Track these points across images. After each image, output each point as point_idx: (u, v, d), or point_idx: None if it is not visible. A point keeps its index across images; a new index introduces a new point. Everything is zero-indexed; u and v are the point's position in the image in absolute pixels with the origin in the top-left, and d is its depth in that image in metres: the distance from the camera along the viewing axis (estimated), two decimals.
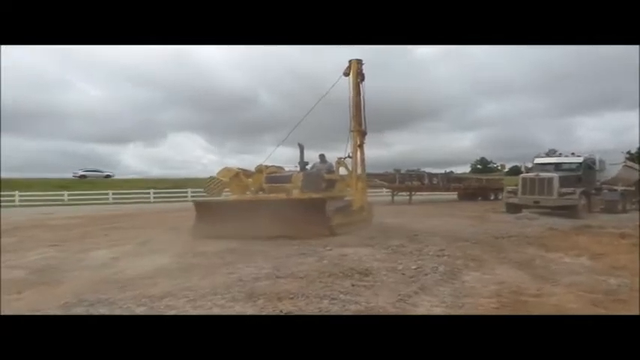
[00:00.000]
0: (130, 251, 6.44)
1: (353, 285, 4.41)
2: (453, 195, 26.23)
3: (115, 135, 74.09)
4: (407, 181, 22.56)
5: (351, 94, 9.47)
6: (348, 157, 9.57)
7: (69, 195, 25.42)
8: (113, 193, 25.57)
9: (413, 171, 23.46)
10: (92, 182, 35.03)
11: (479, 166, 73.76)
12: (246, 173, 9.73)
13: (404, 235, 8.12)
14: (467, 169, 69.98)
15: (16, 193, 23.92)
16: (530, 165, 15.18)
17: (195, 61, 77.88)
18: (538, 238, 8.07)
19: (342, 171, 9.92)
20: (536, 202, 13.38)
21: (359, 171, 9.80)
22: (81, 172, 38.03)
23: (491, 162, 69.79)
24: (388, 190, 23.37)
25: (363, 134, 9.68)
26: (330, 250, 6.45)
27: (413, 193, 22.91)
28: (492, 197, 24.87)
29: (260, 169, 9.80)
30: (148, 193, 26.51)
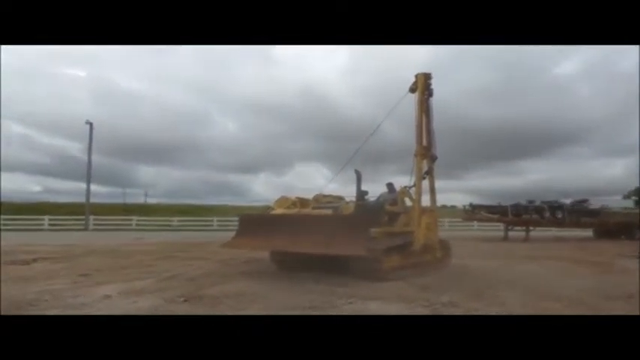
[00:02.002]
0: (138, 288, 5.82)
1: None
2: (589, 232, 21.98)
3: (247, 165, 80.00)
4: (523, 214, 19.46)
5: (416, 113, 8.03)
6: (414, 185, 8.08)
7: (178, 220, 27.24)
8: (217, 220, 26.72)
9: (549, 202, 20.11)
10: (208, 208, 37.44)
11: (634, 197, 62.67)
12: (303, 202, 8.82)
13: (473, 286, 6.30)
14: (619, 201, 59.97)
15: (134, 218, 26.32)
16: None
17: (321, 93, 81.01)
18: None
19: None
20: None
21: (428, 203, 8.27)
22: None
23: None
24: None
25: (432, 159, 8.12)
26: (351, 303, 5.06)
27: (531, 228, 19.65)
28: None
29: (317, 199, 8.82)
30: None
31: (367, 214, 7.40)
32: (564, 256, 11.67)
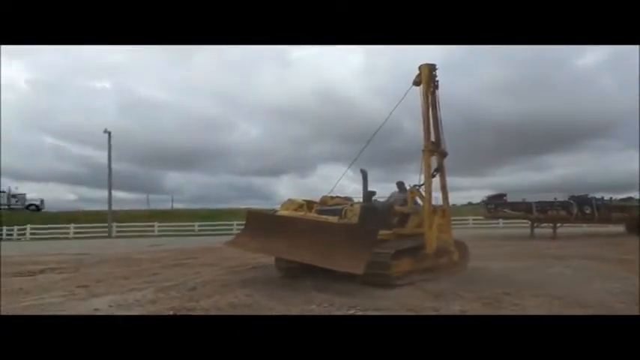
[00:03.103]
0: (131, 300, 5.56)
1: None
2: (621, 227, 20.80)
3: (270, 168, 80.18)
4: (549, 210, 18.57)
5: (422, 107, 7.55)
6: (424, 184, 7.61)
7: (199, 225, 27.32)
8: (237, 223, 26.56)
9: (579, 197, 19.10)
10: (232, 212, 37.50)
11: None
12: (310, 205, 8.45)
13: (490, 292, 5.79)
14: None
15: (155, 224, 26.49)
16: None
17: (340, 94, 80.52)
18: None
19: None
20: None
21: (439, 202, 7.81)
22: None
23: None
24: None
25: (441, 155, 7.63)
26: (353, 314, 4.68)
27: (559, 225, 18.73)
28: None
29: (324, 201, 8.44)
30: None
31: (372, 220, 6.92)
32: (594, 254, 10.93)
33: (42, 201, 39.45)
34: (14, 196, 37.40)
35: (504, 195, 19.51)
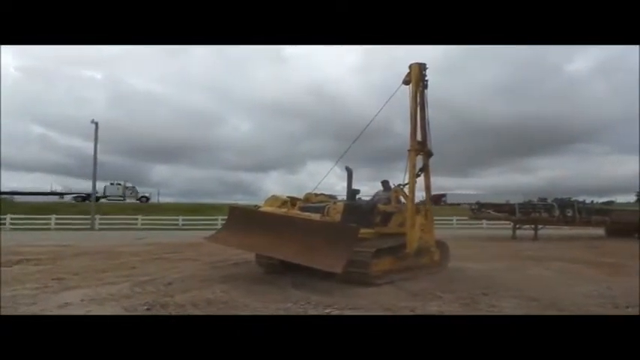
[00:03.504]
0: (104, 295, 5.45)
1: None
2: (601, 230, 21.14)
3: (260, 163, 79.83)
4: (531, 212, 18.80)
5: (410, 106, 7.54)
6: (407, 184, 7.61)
7: (183, 219, 27.07)
8: (222, 218, 26.40)
9: (562, 199, 19.42)
10: (218, 207, 37.23)
11: None
12: (294, 202, 8.39)
13: (468, 293, 5.81)
14: (632, 198, 58.36)
15: (139, 217, 26.19)
16: None
17: (333, 92, 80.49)
18: None
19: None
20: None
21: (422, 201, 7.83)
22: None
23: None
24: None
25: (427, 155, 7.64)
26: (329, 313, 4.66)
27: (540, 227, 18.96)
28: None
29: (308, 198, 8.40)
30: None
31: (355, 218, 6.89)
32: (573, 256, 11.08)
33: (150, 193, 43.63)
34: (127, 188, 40.65)
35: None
